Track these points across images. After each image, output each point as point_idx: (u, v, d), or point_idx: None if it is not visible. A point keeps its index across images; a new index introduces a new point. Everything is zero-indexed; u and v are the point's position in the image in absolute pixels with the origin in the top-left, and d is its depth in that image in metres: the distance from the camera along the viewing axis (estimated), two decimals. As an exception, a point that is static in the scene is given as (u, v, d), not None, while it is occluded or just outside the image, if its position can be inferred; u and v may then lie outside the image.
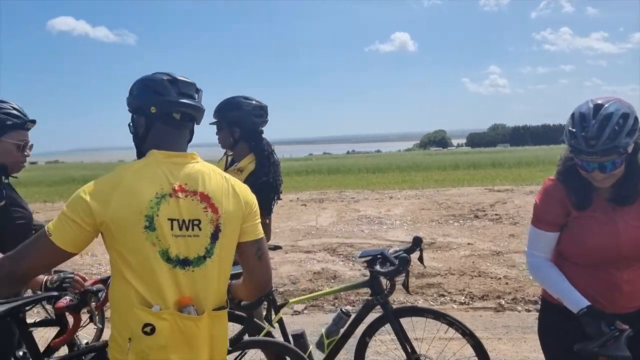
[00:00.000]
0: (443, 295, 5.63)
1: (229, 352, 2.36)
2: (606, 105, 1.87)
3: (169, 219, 1.61)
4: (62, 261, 1.63)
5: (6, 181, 2.36)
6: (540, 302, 2.32)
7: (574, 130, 1.90)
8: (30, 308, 2.16)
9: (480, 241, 8.29)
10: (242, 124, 2.99)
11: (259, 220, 1.82)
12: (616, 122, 1.84)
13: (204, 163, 1.76)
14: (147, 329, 1.57)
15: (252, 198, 1.82)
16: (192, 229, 1.64)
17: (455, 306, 5.30)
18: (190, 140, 1.82)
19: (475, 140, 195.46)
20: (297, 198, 15.58)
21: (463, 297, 5.53)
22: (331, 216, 11.88)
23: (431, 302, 5.42)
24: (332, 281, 6.39)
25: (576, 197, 2.02)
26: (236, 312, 2.57)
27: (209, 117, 3.14)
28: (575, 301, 1.98)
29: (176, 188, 1.64)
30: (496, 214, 10.94)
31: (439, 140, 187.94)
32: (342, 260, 7.45)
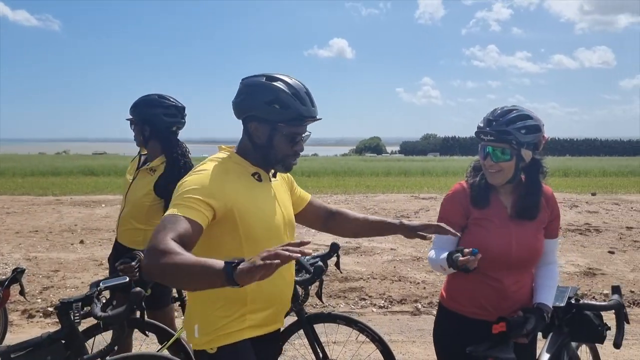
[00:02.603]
0: (364, 299, 5.78)
1: None
2: (517, 107, 2.15)
3: None
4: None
5: None
6: (438, 307, 2.45)
7: (485, 116, 2.17)
8: None
9: (403, 247, 8.55)
10: (152, 123, 2.97)
11: None
12: (517, 116, 2.10)
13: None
14: None
15: None
16: None
17: (374, 310, 5.46)
18: None
19: (409, 148, 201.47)
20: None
21: (383, 301, 5.70)
22: (261, 219, 11.84)
23: (352, 306, 5.56)
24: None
25: (473, 193, 2.20)
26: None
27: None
28: (442, 259, 2.06)
29: None
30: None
31: (374, 146, 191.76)
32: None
